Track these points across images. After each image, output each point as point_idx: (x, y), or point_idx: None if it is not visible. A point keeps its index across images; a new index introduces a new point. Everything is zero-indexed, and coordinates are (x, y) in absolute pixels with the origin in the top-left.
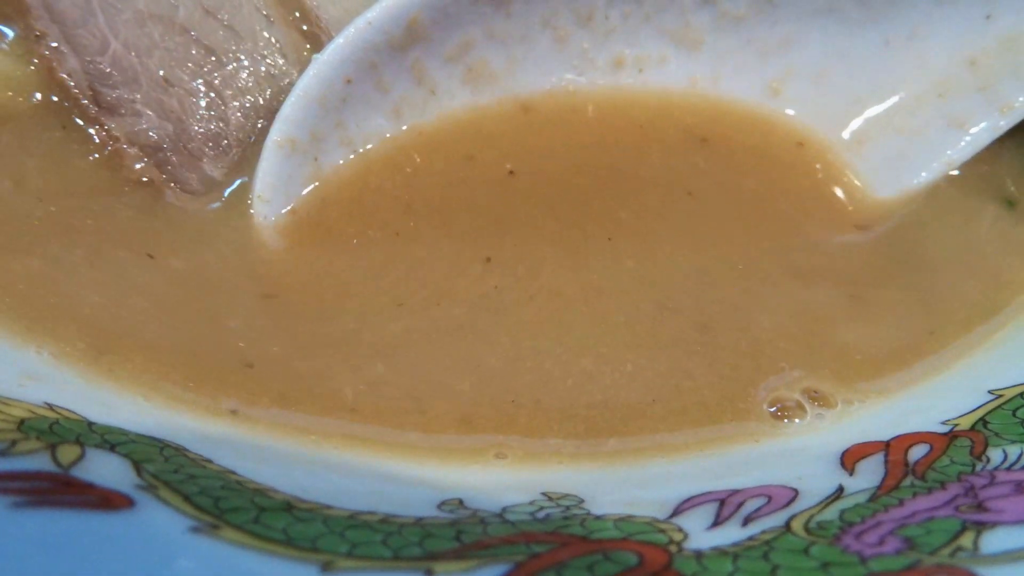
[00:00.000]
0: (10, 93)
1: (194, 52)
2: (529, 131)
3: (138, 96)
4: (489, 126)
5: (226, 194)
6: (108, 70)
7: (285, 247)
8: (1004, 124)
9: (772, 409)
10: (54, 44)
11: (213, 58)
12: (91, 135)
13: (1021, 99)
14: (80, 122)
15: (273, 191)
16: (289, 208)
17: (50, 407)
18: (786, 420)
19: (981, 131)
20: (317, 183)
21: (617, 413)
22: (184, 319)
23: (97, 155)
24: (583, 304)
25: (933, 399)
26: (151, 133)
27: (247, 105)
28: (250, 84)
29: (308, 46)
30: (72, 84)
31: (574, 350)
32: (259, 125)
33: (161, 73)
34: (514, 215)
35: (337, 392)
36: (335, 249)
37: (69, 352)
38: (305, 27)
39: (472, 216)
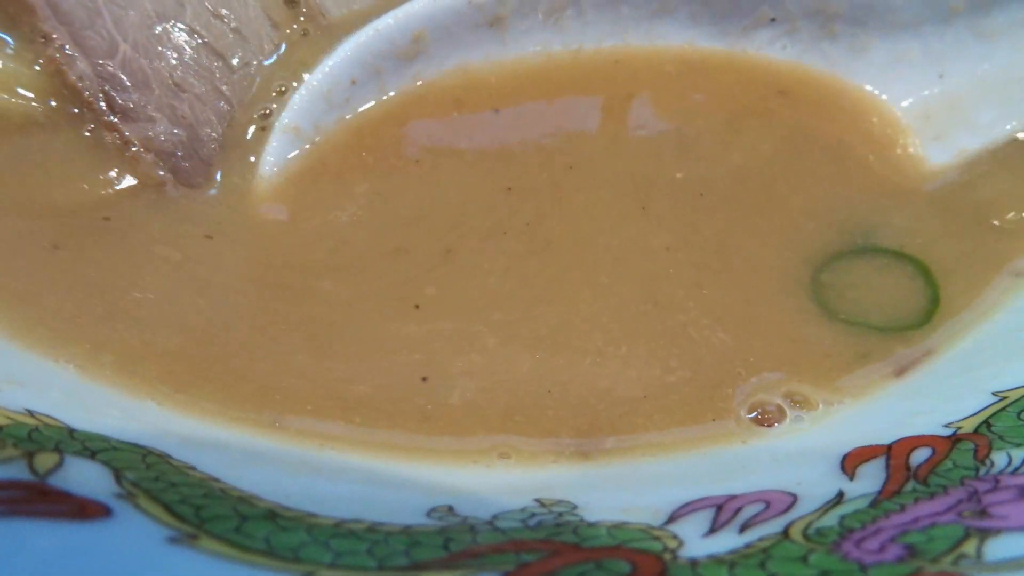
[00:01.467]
0: (31, 99)
1: (203, 56)
2: (509, 76)
3: (151, 101)
4: (473, 74)
5: (218, 179)
6: (119, 74)
7: (294, 218)
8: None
9: (752, 415)
10: (65, 48)
11: (221, 63)
12: (103, 139)
13: (975, 145)
14: (93, 125)
15: (276, 171)
16: (291, 181)
17: (30, 413)
18: (766, 425)
19: None
20: (317, 144)
21: (615, 408)
22: (201, 316)
23: (110, 159)
24: (577, 261)
25: (935, 401)
26: (165, 140)
27: (255, 110)
28: (257, 89)
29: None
30: (84, 89)
31: (590, 321)
32: (263, 124)
33: (172, 77)
34: (508, 151)
35: (363, 390)
36: (347, 209)
37: (85, 358)
38: (312, 29)
39: (475, 150)
